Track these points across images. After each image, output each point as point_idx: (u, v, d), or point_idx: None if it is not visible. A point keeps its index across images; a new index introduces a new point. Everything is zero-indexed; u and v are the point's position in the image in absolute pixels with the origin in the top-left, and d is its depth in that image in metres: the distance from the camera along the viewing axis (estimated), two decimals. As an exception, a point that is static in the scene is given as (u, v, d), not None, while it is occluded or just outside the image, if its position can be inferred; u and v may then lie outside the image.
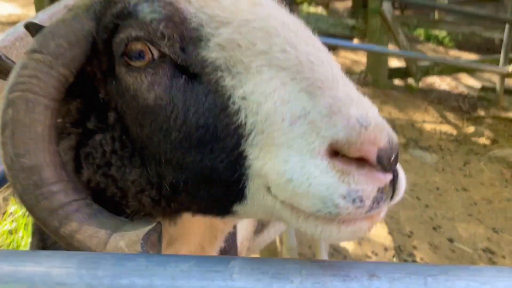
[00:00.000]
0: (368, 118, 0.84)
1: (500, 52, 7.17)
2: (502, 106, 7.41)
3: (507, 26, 6.76)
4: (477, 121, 7.16)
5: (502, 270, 0.88)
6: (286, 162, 0.88)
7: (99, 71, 1.10)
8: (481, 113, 7.43)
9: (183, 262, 0.85)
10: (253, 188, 0.96)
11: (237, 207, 1.03)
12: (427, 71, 8.11)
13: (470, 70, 8.31)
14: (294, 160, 0.87)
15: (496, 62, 7.32)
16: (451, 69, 8.10)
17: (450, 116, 7.38)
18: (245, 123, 0.93)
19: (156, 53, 1.00)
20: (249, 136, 0.93)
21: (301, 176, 0.86)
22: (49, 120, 1.03)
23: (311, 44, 0.95)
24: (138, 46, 1.00)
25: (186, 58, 1.00)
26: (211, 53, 0.97)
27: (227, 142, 0.96)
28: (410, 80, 8.30)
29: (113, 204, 1.13)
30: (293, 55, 0.92)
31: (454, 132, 6.90)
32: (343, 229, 0.88)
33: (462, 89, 8.44)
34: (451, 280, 0.84)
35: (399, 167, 0.91)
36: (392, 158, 0.85)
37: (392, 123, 6.54)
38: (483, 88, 7.95)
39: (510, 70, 6.69)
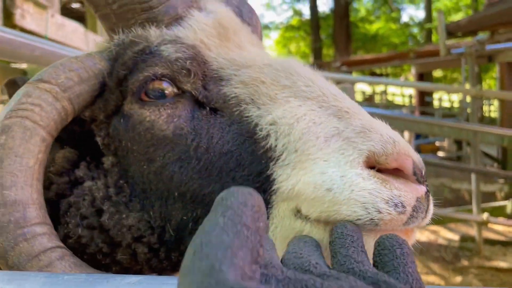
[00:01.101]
0: (398, 136, 0.90)
1: (469, 204, 7.40)
2: (484, 256, 7.31)
3: (473, 176, 7.12)
4: (462, 271, 6.95)
5: None
6: (323, 173, 0.86)
7: (102, 113, 1.07)
8: (465, 263, 7.27)
9: (129, 277, 0.71)
10: (277, 216, 0.92)
11: None
12: (405, 223, 8.16)
13: (447, 222, 8.41)
14: (332, 171, 0.86)
15: (470, 212, 7.48)
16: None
17: (435, 267, 7.18)
18: (275, 146, 0.94)
19: (176, 90, 1.03)
20: (280, 158, 0.92)
21: (342, 184, 0.84)
22: (42, 154, 0.94)
23: (328, 83, 1.04)
24: (160, 84, 1.02)
25: (207, 94, 1.03)
26: (234, 89, 1.02)
27: (252, 168, 0.94)
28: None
29: (92, 265, 0.98)
30: (317, 88, 0.98)
31: (442, 282, 6.61)
32: None
33: (441, 241, 8.40)
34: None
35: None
36: (424, 172, 0.88)
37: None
38: (463, 238, 7.94)
39: (485, 218, 6.79)
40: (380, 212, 0.81)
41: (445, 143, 15.58)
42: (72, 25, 4.66)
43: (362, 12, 33.92)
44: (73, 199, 1.01)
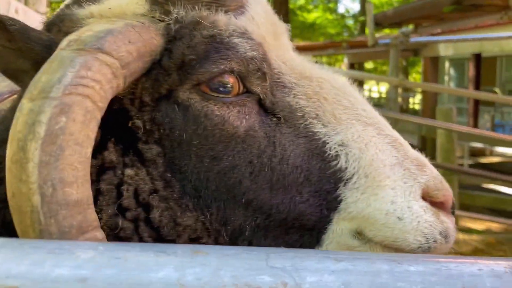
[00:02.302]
0: (437, 172, 1.04)
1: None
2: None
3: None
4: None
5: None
6: (393, 203, 0.95)
7: (149, 95, 0.92)
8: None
9: None
10: (334, 233, 0.98)
11: None
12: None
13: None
14: (400, 200, 0.96)
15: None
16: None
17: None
18: (346, 168, 0.97)
19: (241, 89, 0.96)
20: (350, 180, 0.97)
21: (410, 215, 0.95)
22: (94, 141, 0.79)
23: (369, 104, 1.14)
24: (230, 79, 0.94)
25: (273, 100, 1.00)
26: (299, 100, 1.02)
27: (320, 185, 0.97)
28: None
29: None
30: (371, 114, 1.06)
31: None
32: None
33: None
34: (300, 257, 0.66)
35: None
36: None
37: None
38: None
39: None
40: (435, 242, 0.96)
41: (372, 132, 16.34)
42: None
43: (301, 0, 34.39)
44: (105, 186, 0.89)
